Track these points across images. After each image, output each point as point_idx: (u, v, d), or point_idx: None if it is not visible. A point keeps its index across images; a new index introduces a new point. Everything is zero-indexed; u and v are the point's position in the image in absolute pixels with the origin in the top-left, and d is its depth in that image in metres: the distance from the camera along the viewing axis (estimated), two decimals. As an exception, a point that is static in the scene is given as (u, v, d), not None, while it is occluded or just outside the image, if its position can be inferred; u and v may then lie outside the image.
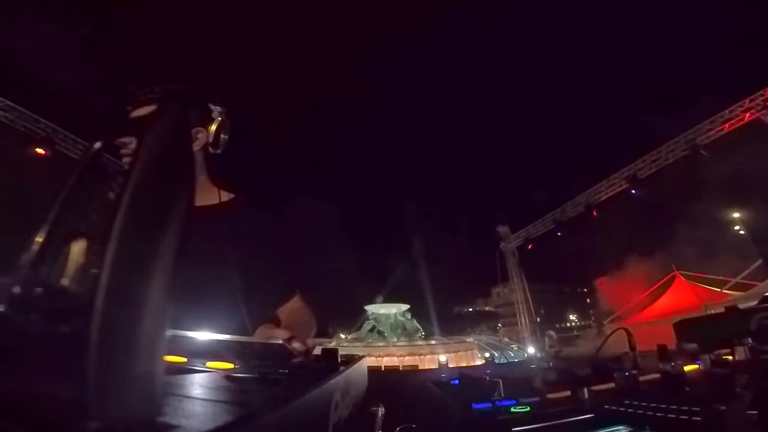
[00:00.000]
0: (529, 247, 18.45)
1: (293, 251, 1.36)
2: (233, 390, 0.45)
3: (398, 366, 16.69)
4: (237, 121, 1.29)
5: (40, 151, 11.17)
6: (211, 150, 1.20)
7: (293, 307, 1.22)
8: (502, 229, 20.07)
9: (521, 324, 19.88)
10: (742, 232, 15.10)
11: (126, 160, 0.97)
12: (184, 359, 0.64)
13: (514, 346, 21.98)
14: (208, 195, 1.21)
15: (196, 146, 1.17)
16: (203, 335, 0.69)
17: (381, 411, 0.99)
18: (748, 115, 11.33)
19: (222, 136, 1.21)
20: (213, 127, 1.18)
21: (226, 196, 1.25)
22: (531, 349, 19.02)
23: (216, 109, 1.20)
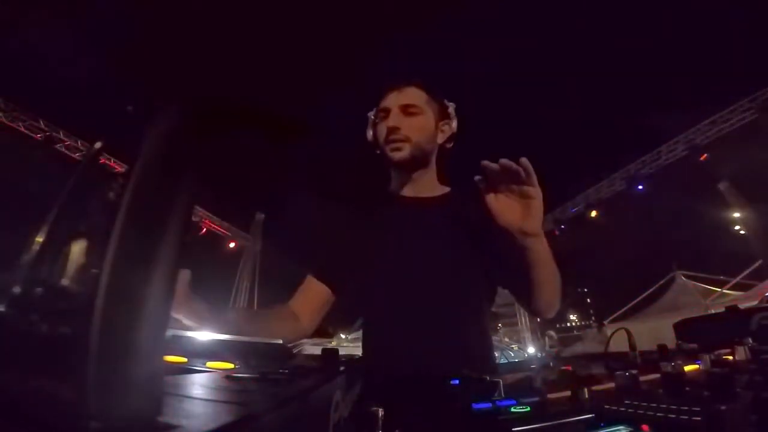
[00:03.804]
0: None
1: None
2: (233, 390, 0.45)
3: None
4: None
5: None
6: (447, 145, 1.21)
7: None
8: (502, 229, 20.00)
9: (521, 324, 19.88)
10: (742, 232, 15.11)
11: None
12: (184, 359, 0.64)
13: (514, 346, 21.93)
14: (432, 187, 1.24)
15: (440, 139, 1.19)
16: (203, 335, 0.69)
17: (381, 411, 0.99)
18: (748, 114, 11.35)
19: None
20: (455, 123, 1.20)
21: (441, 190, 1.26)
22: (531, 349, 19.00)
23: (451, 105, 1.21)
